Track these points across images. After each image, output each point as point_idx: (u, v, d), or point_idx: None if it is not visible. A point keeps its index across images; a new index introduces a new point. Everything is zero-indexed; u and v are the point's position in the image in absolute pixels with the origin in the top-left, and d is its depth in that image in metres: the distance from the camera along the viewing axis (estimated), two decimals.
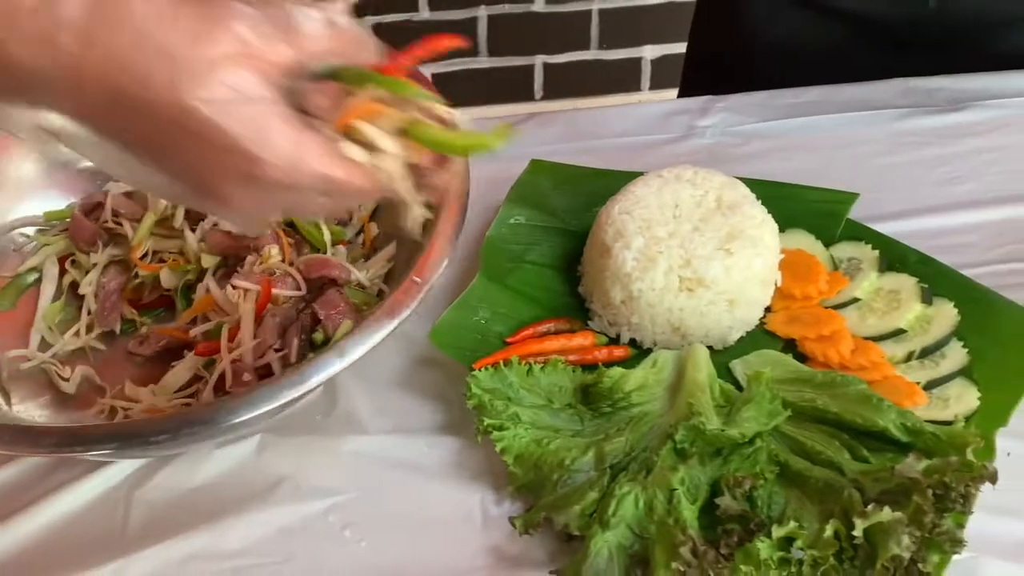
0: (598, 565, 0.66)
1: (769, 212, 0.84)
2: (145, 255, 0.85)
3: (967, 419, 0.74)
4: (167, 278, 0.82)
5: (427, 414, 0.78)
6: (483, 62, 2.36)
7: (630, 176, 0.87)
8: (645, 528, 0.67)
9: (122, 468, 0.75)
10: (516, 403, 0.75)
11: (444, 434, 0.77)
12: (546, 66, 2.40)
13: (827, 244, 0.87)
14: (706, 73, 1.28)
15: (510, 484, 0.71)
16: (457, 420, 0.77)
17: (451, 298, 0.83)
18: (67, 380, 0.80)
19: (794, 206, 0.89)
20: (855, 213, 0.89)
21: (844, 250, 0.86)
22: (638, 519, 0.67)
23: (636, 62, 2.40)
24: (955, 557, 0.64)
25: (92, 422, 0.75)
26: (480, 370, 0.75)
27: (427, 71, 2.56)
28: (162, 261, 0.85)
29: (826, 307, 0.82)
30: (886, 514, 0.63)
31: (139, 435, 0.62)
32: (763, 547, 0.63)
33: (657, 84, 2.41)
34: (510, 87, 2.40)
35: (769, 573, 0.63)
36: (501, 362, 0.76)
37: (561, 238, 0.89)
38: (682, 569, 0.63)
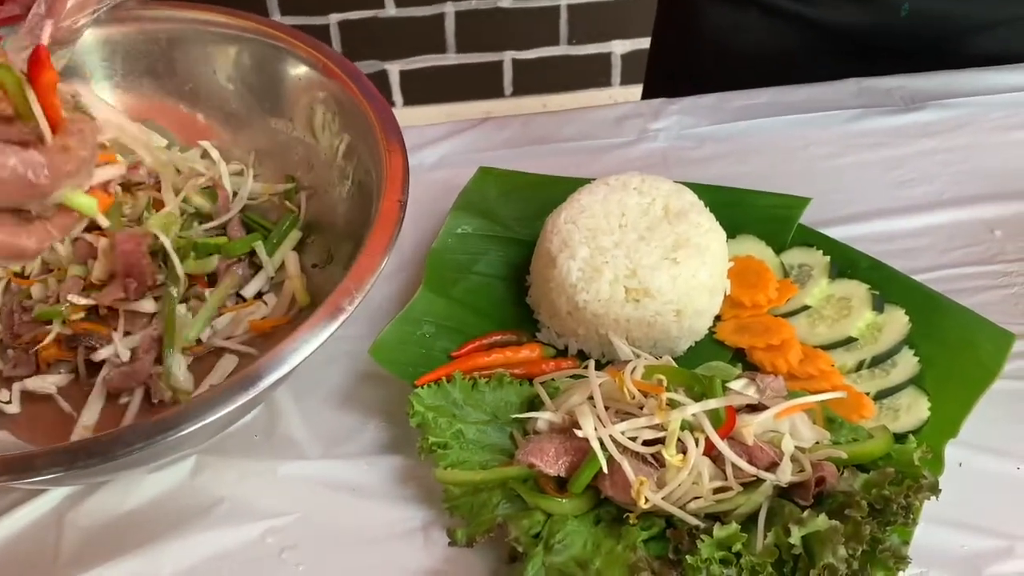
0: None
1: (720, 218, 0.83)
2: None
3: (918, 430, 0.73)
4: (38, 292, 0.83)
5: (368, 433, 0.77)
6: (451, 59, 2.34)
7: (580, 183, 0.85)
8: (591, 561, 0.65)
9: (54, 493, 0.73)
10: (461, 420, 0.73)
11: (386, 453, 0.75)
12: (515, 62, 2.38)
13: (778, 250, 0.85)
14: (669, 77, 1.26)
15: (446, 503, 0.69)
16: (400, 438, 0.76)
17: (393, 312, 0.81)
18: (8, 402, 0.78)
19: (745, 212, 0.87)
20: (807, 217, 0.87)
21: (795, 256, 0.85)
22: (585, 552, 0.66)
23: (606, 57, 2.39)
24: (904, 573, 0.63)
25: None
26: (423, 386, 0.73)
27: (395, 68, 2.53)
28: (49, 271, 0.85)
29: (776, 315, 0.81)
30: (822, 522, 0.62)
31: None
32: (704, 547, 0.63)
33: (628, 79, 2.40)
34: (479, 83, 2.38)
35: (712, 568, 0.62)
36: (444, 378, 0.74)
37: (510, 247, 0.88)
38: None
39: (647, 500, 0.65)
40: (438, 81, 2.35)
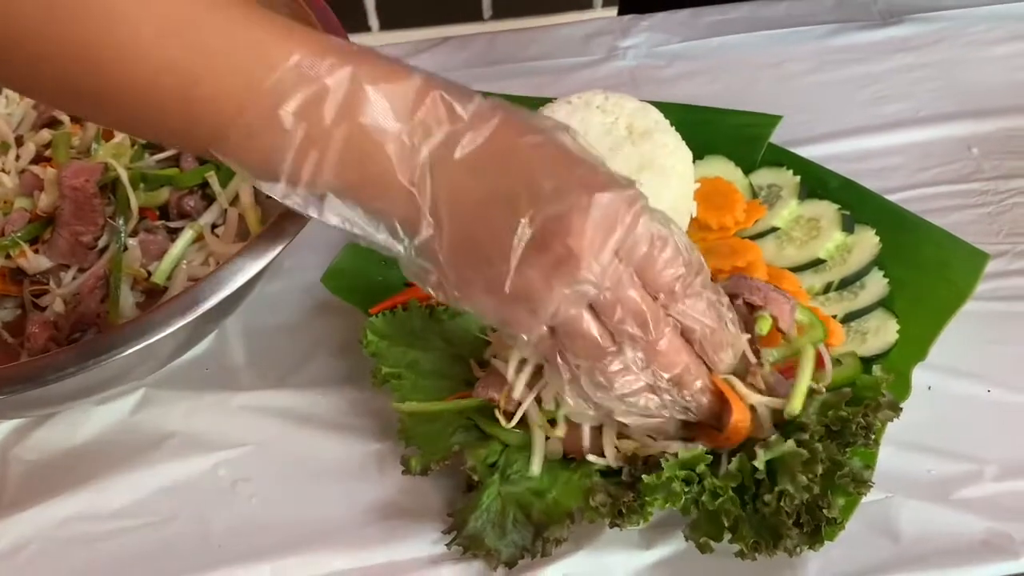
0: (489, 516, 0.63)
1: (687, 138, 0.80)
2: None
3: (886, 353, 0.71)
4: None
5: (322, 363, 0.75)
6: None
7: (543, 103, 0.82)
8: (547, 490, 0.64)
9: None
10: (417, 349, 0.71)
11: (340, 384, 0.73)
12: None
13: (748, 171, 0.83)
14: None
15: (401, 437, 0.68)
16: (354, 369, 0.74)
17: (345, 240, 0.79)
18: None
19: (714, 131, 0.84)
20: (778, 137, 0.85)
21: (764, 176, 0.82)
22: (541, 482, 0.65)
23: None
24: (867, 499, 0.62)
25: None
26: (377, 315, 0.71)
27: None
28: None
29: (743, 238, 0.79)
30: (789, 446, 0.60)
31: None
32: (668, 466, 0.61)
33: (610, 0, 2.34)
34: (457, 6, 2.32)
35: (673, 486, 0.60)
36: (400, 306, 0.72)
37: None
38: (594, 504, 0.61)
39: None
40: (414, 4, 2.28)
